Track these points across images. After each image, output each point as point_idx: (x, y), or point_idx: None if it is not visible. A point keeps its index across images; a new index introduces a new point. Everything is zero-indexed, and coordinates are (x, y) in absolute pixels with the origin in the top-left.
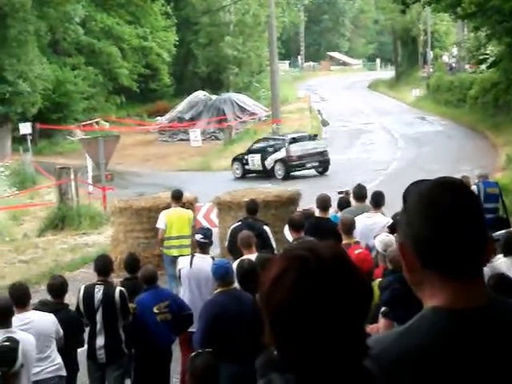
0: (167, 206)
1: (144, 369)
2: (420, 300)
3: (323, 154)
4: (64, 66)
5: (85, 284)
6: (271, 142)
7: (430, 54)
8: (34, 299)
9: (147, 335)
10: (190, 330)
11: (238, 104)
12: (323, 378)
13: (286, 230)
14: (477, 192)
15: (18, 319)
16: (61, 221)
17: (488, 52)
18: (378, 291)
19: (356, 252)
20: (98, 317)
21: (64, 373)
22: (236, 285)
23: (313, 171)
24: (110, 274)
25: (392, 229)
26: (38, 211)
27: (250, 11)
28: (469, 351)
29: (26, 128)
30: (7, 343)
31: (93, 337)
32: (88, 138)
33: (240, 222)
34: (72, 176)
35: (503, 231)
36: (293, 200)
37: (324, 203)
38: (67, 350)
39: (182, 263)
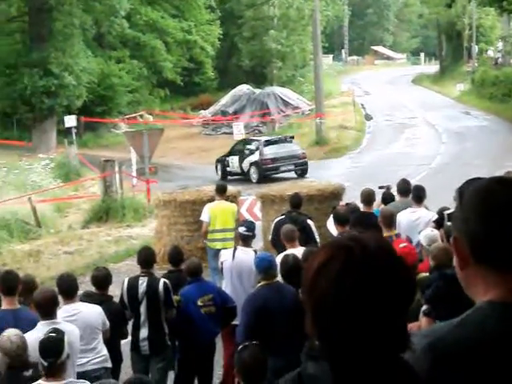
0: (211, 199)
1: (188, 361)
2: (463, 298)
3: (300, 156)
4: (109, 60)
5: (128, 276)
6: (249, 144)
7: (475, 49)
8: (79, 291)
9: (191, 328)
10: (233, 322)
11: (281, 98)
12: (359, 368)
13: (330, 224)
14: None
15: (65, 310)
16: (105, 213)
17: None
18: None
19: (401, 246)
20: (142, 309)
21: (109, 364)
22: (279, 278)
23: (291, 174)
24: (153, 265)
25: (438, 223)
26: (83, 203)
27: (294, 5)
28: None
29: (71, 121)
30: (53, 334)
31: (137, 328)
32: (132, 131)
33: (283, 216)
34: (116, 169)
35: None
36: (336, 194)
37: (368, 197)
38: (111, 341)
39: (225, 256)
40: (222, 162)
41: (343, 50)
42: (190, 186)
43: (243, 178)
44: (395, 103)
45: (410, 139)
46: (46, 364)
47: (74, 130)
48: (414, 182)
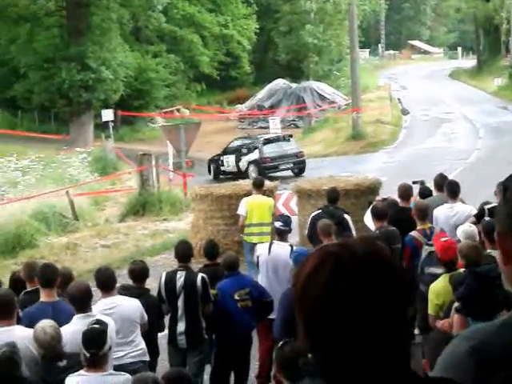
0: (247, 194)
1: (224, 355)
2: (494, 296)
3: (298, 155)
4: (146, 54)
5: (165, 270)
6: (245, 143)
7: None
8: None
9: (228, 321)
10: (269, 317)
11: (317, 92)
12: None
13: (367, 219)
14: None
15: (103, 304)
16: (142, 207)
17: None
18: (449, 285)
19: (442, 239)
20: (180, 302)
21: (147, 358)
22: None
23: (288, 172)
24: (191, 259)
25: (478, 218)
26: (119, 197)
27: None
28: None
29: (108, 115)
30: (97, 326)
31: (174, 322)
32: (169, 125)
33: (320, 210)
34: (153, 162)
35: None
36: (373, 189)
37: (405, 192)
38: (149, 334)
39: (260, 250)
40: (216, 161)
41: (380, 45)
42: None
43: (238, 177)
44: (432, 98)
45: (447, 134)
46: (88, 355)
47: (111, 124)
48: (450, 177)
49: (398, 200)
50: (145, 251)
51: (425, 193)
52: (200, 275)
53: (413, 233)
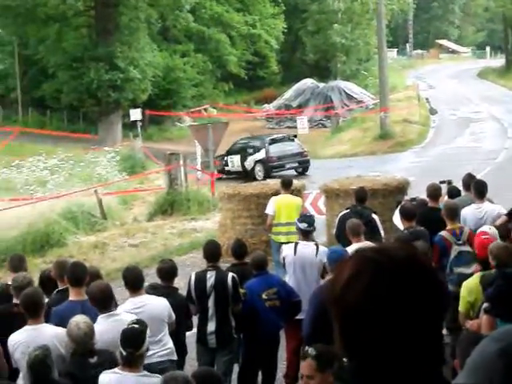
0: (275, 193)
1: (252, 354)
2: None
3: (302, 154)
4: (174, 54)
5: (193, 269)
6: (251, 143)
7: None
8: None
9: (256, 321)
10: (297, 317)
11: (345, 92)
12: None
13: (396, 219)
14: None
15: (131, 303)
16: (170, 206)
17: None
18: (479, 286)
19: (483, 237)
20: (210, 302)
21: (175, 357)
22: None
23: (293, 171)
24: (220, 259)
25: (510, 216)
26: (148, 196)
27: None
28: None
29: (136, 114)
30: (136, 325)
31: (204, 322)
32: (197, 124)
33: (348, 210)
34: (181, 162)
35: None
36: (401, 188)
37: (434, 192)
38: (176, 333)
39: (286, 251)
40: (220, 161)
41: (408, 44)
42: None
43: (243, 176)
44: (460, 97)
45: (475, 134)
46: (125, 354)
47: (139, 124)
48: (478, 176)
49: (427, 200)
50: (172, 250)
51: (453, 192)
52: (230, 274)
53: (442, 232)
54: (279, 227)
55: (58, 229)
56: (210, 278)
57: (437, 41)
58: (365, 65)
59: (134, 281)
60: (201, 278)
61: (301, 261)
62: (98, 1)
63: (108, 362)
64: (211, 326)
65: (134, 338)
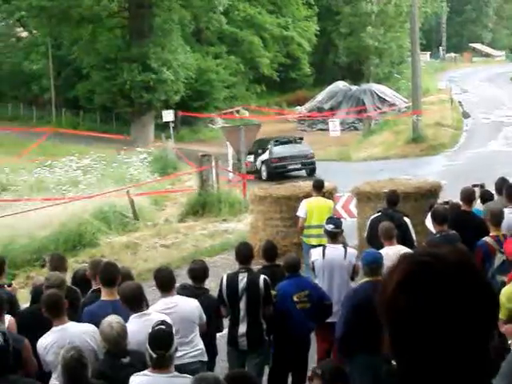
0: (306, 195)
1: (282, 356)
2: None
3: (307, 156)
4: (206, 55)
5: (224, 271)
6: (261, 144)
7: None
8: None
9: (287, 323)
10: (327, 320)
11: (377, 95)
12: None
13: (428, 222)
14: None
15: (163, 303)
16: (201, 207)
17: None
18: None
19: None
20: (242, 304)
21: (205, 358)
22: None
23: (301, 173)
24: (252, 261)
25: None
26: (179, 197)
27: (391, 1)
28: None
29: (169, 115)
30: (163, 326)
31: (235, 324)
32: (229, 126)
33: (379, 213)
34: (213, 163)
35: None
36: (433, 192)
37: (469, 196)
38: (207, 334)
39: (315, 255)
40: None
41: (441, 47)
42: (286, 181)
43: (257, 175)
44: (493, 101)
45: (508, 137)
46: (154, 356)
47: (171, 125)
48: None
49: (460, 203)
50: (204, 251)
51: (485, 196)
52: (262, 277)
53: (486, 238)
54: (310, 230)
55: (90, 229)
56: (242, 279)
57: (470, 44)
58: (397, 67)
59: (165, 281)
60: (232, 280)
61: (329, 264)
62: (132, 2)
63: (140, 363)
64: (242, 328)
65: (163, 339)
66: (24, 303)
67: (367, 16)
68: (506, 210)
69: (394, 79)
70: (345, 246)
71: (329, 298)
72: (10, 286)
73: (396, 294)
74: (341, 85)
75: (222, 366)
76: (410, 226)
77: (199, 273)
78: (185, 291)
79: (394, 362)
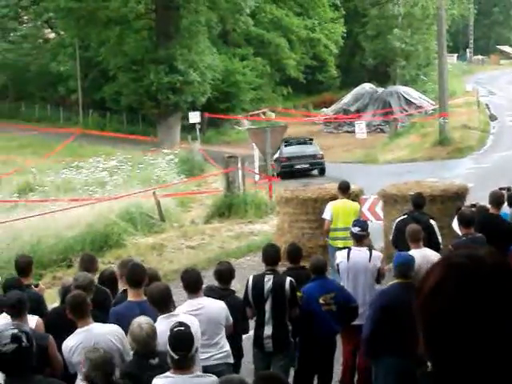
0: (332, 197)
1: (308, 358)
2: None
3: (316, 157)
4: (233, 57)
5: (250, 272)
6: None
7: None
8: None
9: (312, 325)
10: (353, 323)
11: (404, 97)
12: None
13: (455, 225)
14: None
15: (190, 304)
16: (227, 208)
17: None
18: None
19: None
20: (267, 306)
21: (231, 360)
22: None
23: (313, 172)
24: (278, 263)
25: None
26: (205, 198)
27: (418, 3)
28: None
29: (195, 117)
30: (182, 328)
31: (261, 326)
32: (255, 127)
33: (405, 216)
34: (239, 165)
35: None
36: (460, 195)
37: (498, 199)
38: (233, 336)
39: (340, 258)
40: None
41: (468, 50)
42: (312, 183)
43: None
44: None
45: None
46: (176, 357)
47: (197, 126)
48: None
49: (488, 206)
50: (230, 253)
51: None
52: (288, 279)
53: None
54: (336, 232)
55: (116, 230)
56: (268, 281)
57: (497, 46)
58: (424, 70)
59: (192, 283)
60: (258, 282)
61: (354, 266)
62: (159, 4)
63: (168, 364)
64: (268, 330)
65: (184, 340)
66: (50, 303)
67: (394, 18)
68: None
69: (420, 81)
70: (370, 249)
71: (355, 301)
72: (36, 286)
73: (432, 295)
74: (367, 87)
75: (247, 368)
76: (436, 229)
77: (225, 274)
78: (211, 293)
79: (428, 364)
